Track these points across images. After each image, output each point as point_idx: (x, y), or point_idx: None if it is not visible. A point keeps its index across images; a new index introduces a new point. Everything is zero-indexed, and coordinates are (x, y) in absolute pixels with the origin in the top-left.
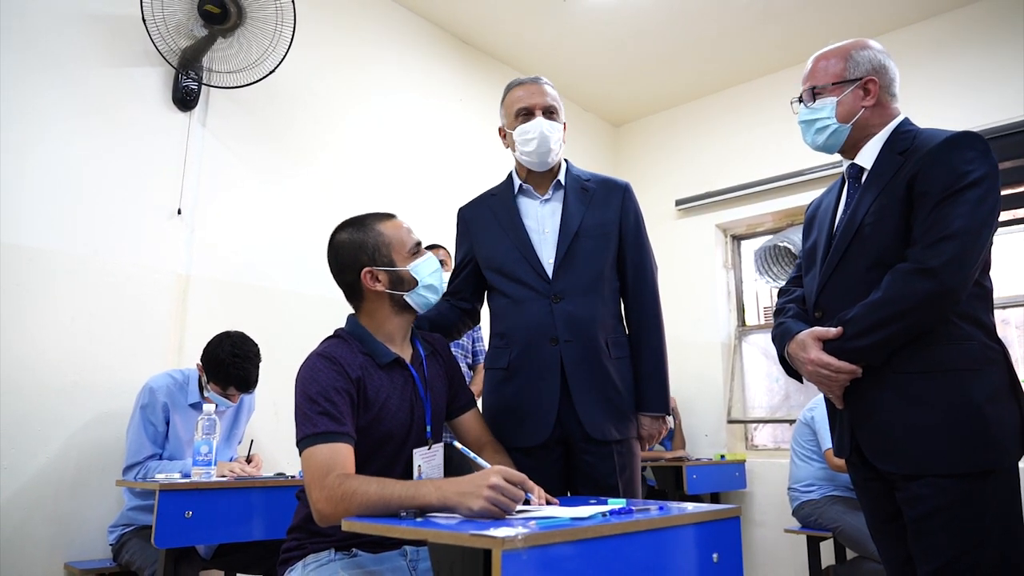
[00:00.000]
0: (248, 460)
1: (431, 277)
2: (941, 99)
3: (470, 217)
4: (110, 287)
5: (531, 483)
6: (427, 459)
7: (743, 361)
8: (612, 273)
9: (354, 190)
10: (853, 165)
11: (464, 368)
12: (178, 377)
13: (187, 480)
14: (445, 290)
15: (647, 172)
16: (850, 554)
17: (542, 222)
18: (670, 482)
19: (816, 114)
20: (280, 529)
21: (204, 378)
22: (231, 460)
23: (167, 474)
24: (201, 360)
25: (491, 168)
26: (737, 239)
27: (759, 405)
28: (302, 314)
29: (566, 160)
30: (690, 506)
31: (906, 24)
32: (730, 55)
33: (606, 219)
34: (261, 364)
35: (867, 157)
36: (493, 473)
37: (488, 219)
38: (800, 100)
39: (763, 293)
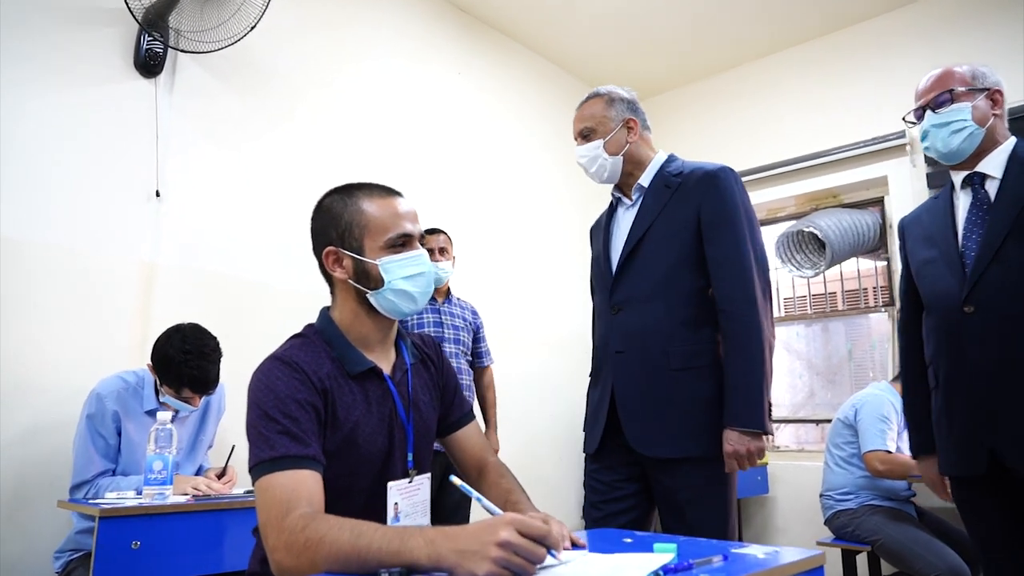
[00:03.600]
0: (221, 474)
1: (405, 282)
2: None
3: (593, 227)
4: (62, 276)
5: (555, 534)
6: (407, 495)
7: None
8: (686, 274)
9: (341, 169)
10: (976, 174)
11: (464, 365)
12: (131, 380)
13: (134, 503)
14: (429, 296)
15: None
16: (886, 569)
17: (624, 230)
18: None
19: (953, 116)
20: None
21: (157, 380)
22: (200, 471)
23: (119, 492)
24: (151, 359)
25: (491, 147)
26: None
27: (780, 404)
28: (284, 308)
29: (671, 155)
30: (760, 551)
31: None
32: (748, 28)
33: (681, 216)
34: (234, 363)
35: (993, 166)
36: (504, 524)
37: (596, 230)
38: (923, 110)
39: (784, 282)
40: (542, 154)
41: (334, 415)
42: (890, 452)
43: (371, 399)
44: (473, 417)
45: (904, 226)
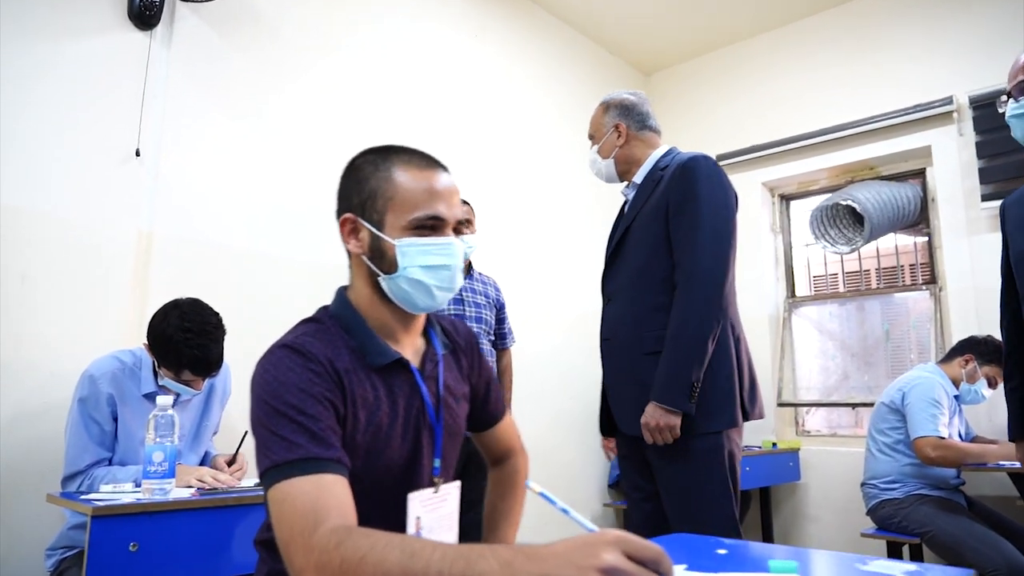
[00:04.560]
0: (230, 462)
1: (423, 272)
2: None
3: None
4: (48, 245)
5: (667, 559)
6: (431, 507)
7: (793, 337)
8: (658, 262)
9: (350, 134)
10: None
11: (487, 345)
12: (127, 360)
13: (132, 499)
14: (452, 293)
15: (681, 126)
16: (930, 561)
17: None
18: None
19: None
20: None
21: (155, 362)
22: (206, 459)
23: (116, 485)
24: (147, 339)
25: (508, 115)
26: (786, 199)
27: (812, 386)
28: (292, 282)
29: (670, 149)
30: (899, 569)
31: None
32: None
33: (656, 206)
34: (239, 342)
35: None
36: (606, 544)
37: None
38: (1008, 96)
39: (815, 259)
40: (561, 123)
41: (354, 415)
42: (943, 438)
43: (396, 395)
44: (505, 414)
45: (1005, 207)
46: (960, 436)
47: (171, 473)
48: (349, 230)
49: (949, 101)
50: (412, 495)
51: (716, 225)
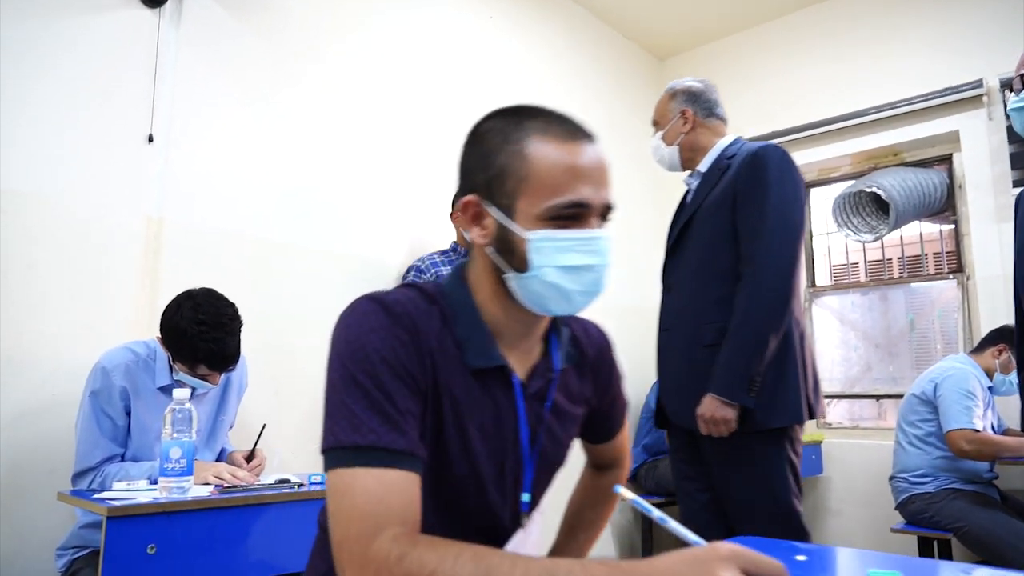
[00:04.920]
0: (249, 457)
1: (560, 274)
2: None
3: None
4: (58, 234)
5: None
6: (517, 547)
7: (814, 327)
8: (722, 253)
9: (365, 119)
10: None
11: None
12: (141, 352)
13: (150, 498)
14: (593, 298)
15: None
16: (960, 557)
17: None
18: None
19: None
20: (293, 561)
21: (170, 356)
22: (223, 455)
23: (129, 483)
24: (160, 332)
25: (520, 99)
26: (807, 186)
27: (833, 378)
28: (307, 271)
29: (737, 138)
30: None
31: None
32: None
33: (722, 196)
34: (255, 333)
35: None
36: (721, 560)
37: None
38: (1010, 89)
39: (836, 248)
40: (573, 107)
41: (436, 411)
42: (977, 430)
43: (490, 406)
44: (623, 427)
45: (1019, 200)
46: (992, 428)
47: (189, 470)
48: (472, 215)
49: (979, 84)
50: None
51: (785, 217)
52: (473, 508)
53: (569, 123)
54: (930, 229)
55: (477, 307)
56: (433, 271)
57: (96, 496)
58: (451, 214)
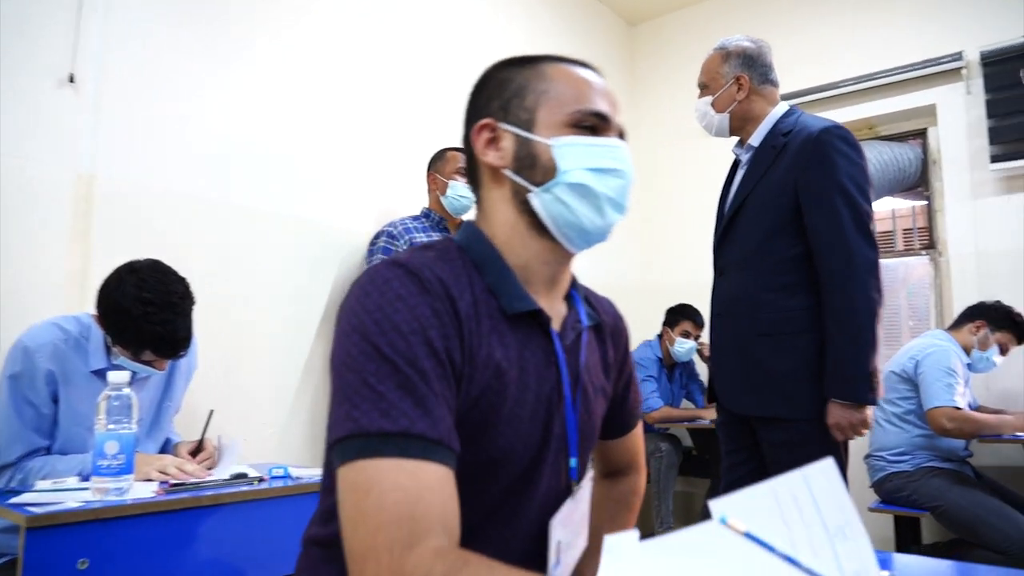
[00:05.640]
0: (196, 450)
1: (588, 175)
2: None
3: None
4: None
5: None
6: (568, 522)
7: None
8: (782, 241)
9: (329, 70)
10: None
11: None
12: (71, 329)
13: (80, 502)
14: (622, 210)
15: (669, 81)
16: (931, 537)
17: (734, 191)
18: (714, 449)
19: None
20: (253, 571)
21: (109, 339)
22: (168, 446)
23: (56, 480)
24: (97, 309)
25: (485, 61)
26: None
27: None
28: (261, 237)
29: (791, 108)
30: None
31: None
32: None
33: (780, 180)
34: (204, 308)
35: None
36: None
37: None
38: None
39: None
40: None
41: (468, 378)
42: (959, 408)
43: (527, 361)
44: (639, 422)
45: None
46: (968, 406)
47: (128, 468)
48: (487, 139)
49: (958, 57)
50: (555, 521)
51: (861, 205)
52: (519, 476)
53: (582, 62)
54: (902, 205)
55: (499, 252)
56: (407, 237)
57: (12, 501)
58: (428, 174)
